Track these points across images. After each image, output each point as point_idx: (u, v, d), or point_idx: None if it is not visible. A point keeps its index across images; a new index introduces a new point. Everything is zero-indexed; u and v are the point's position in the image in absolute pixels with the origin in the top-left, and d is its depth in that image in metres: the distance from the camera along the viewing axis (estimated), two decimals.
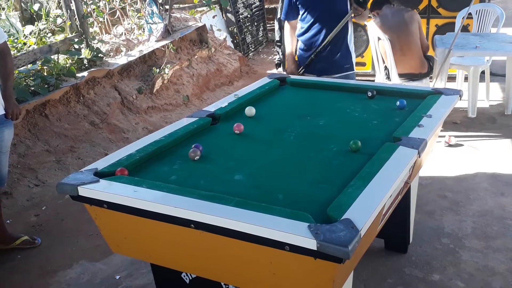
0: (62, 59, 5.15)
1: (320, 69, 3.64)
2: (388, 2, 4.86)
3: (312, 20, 3.61)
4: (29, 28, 5.78)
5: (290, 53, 3.82)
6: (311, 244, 1.44)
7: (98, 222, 1.98)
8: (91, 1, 6.11)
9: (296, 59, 3.84)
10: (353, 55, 3.77)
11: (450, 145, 4.35)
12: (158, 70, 5.55)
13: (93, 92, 5.01)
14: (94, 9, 6.08)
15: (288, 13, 3.75)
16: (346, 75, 3.67)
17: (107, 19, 6.32)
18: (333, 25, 3.54)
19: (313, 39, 3.65)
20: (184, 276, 2.08)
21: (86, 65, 5.20)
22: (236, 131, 2.40)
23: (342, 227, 1.48)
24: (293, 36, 3.81)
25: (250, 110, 2.66)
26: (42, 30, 5.70)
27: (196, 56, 6.33)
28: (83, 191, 1.85)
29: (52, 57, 4.98)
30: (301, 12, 3.67)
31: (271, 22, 8.84)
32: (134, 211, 1.77)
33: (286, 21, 3.83)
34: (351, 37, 3.72)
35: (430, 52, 5.02)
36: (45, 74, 4.78)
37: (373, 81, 5.13)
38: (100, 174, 1.95)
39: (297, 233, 1.47)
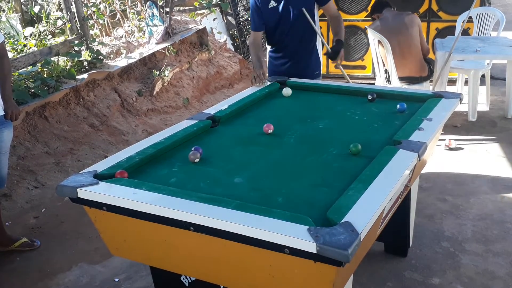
0: (62, 61, 5.15)
1: (290, 74, 3.42)
2: (388, 5, 4.87)
3: (280, 38, 3.47)
4: (29, 30, 5.79)
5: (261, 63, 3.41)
6: (310, 247, 1.43)
7: (97, 225, 1.97)
8: (91, 3, 6.12)
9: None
10: (321, 60, 3.62)
11: (450, 149, 4.35)
12: (158, 72, 5.55)
13: (93, 94, 5.01)
14: (94, 11, 6.08)
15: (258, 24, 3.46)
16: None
17: (107, 21, 6.32)
18: (301, 37, 3.41)
19: (284, 53, 3.51)
20: (183, 279, 2.08)
21: (86, 67, 5.20)
22: (268, 131, 2.42)
23: (342, 230, 1.48)
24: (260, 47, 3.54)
25: (287, 91, 2.98)
26: (42, 32, 5.70)
27: (196, 59, 6.32)
28: (83, 193, 1.84)
29: (52, 59, 4.98)
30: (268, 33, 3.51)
31: None
32: (134, 213, 1.76)
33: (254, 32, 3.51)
34: (319, 43, 3.58)
35: (431, 56, 5.02)
36: (45, 76, 4.78)
37: (373, 84, 5.13)
38: (100, 177, 1.95)
39: (296, 236, 1.46)
